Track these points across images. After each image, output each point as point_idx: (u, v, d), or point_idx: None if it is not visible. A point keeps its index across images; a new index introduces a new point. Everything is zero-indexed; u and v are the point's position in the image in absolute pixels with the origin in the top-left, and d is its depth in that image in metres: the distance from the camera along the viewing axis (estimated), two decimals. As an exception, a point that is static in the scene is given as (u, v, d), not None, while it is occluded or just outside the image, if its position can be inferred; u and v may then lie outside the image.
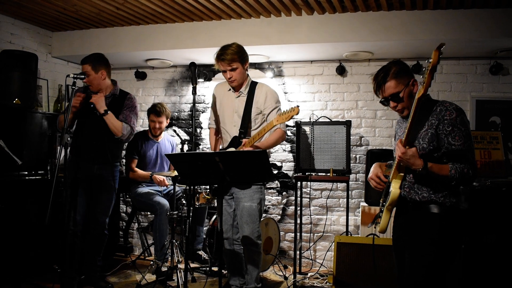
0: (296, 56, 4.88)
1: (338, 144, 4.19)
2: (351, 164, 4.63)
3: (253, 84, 3.46)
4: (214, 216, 4.51)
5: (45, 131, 4.26)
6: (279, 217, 5.05)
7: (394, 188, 2.17)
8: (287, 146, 5.11)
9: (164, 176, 4.52)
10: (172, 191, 4.28)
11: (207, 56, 4.74)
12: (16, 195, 3.85)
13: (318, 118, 4.58)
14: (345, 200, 4.53)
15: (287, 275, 4.29)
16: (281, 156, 5.12)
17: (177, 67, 5.50)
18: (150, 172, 4.53)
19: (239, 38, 3.59)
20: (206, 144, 5.27)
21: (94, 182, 3.63)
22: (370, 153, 4.36)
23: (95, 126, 3.58)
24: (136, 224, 5.32)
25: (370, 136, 4.87)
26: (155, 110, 4.60)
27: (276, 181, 5.07)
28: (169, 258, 3.98)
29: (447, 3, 3.85)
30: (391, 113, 4.70)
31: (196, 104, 5.32)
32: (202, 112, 5.36)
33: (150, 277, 4.04)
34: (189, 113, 5.46)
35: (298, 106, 3.05)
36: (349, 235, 4.15)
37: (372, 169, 2.39)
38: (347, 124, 4.22)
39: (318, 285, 4.09)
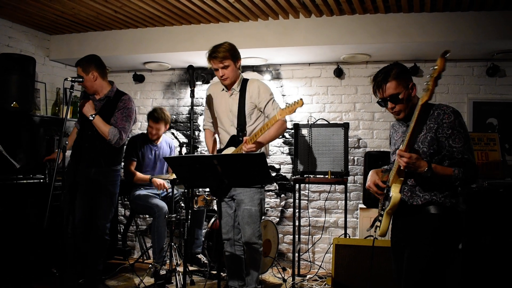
0: (294, 59, 4.90)
1: (336, 146, 4.20)
2: (349, 166, 4.64)
3: (245, 81, 3.48)
4: (213, 219, 4.51)
5: (43, 135, 4.25)
6: (278, 219, 5.05)
7: (395, 193, 2.17)
8: (285, 149, 5.11)
9: (163, 179, 4.52)
10: (170, 194, 4.27)
11: (205, 59, 4.68)
12: (14, 198, 3.84)
13: (316, 121, 4.59)
14: (343, 202, 4.54)
15: (285, 278, 4.29)
16: (279, 158, 5.13)
17: (175, 70, 5.50)
18: (150, 176, 4.52)
19: (237, 41, 3.60)
20: (204, 147, 5.27)
21: (93, 186, 3.61)
22: (368, 155, 4.36)
23: (90, 130, 3.58)
24: (135, 227, 5.32)
25: (368, 138, 4.88)
26: (154, 116, 4.55)
27: (275, 184, 5.07)
28: (168, 261, 3.97)
29: (444, 6, 3.87)
30: (389, 115, 4.71)
31: (195, 107, 5.32)
32: (200, 115, 5.37)
33: (149, 280, 4.04)
34: (188, 115, 5.47)
35: (301, 99, 3.06)
36: (348, 237, 4.15)
37: (368, 177, 2.39)
38: (345, 126, 4.23)
39: (316, 287, 4.10)
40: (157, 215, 4.27)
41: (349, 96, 4.94)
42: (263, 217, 4.47)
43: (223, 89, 3.50)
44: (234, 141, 3.37)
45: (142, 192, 4.53)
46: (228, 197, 3.43)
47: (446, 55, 1.95)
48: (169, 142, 4.90)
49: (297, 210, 4.47)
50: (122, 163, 4.83)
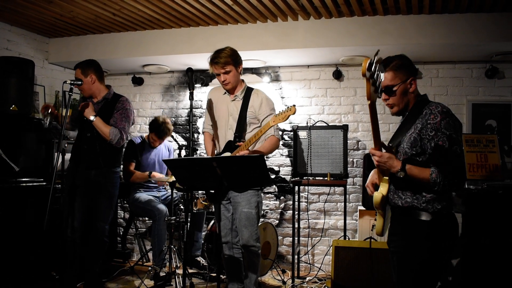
0: (293, 61, 4.90)
1: (335, 148, 4.20)
2: (349, 168, 4.64)
3: (249, 90, 3.49)
4: (212, 222, 4.50)
5: (42, 138, 4.25)
6: (277, 221, 5.05)
7: (377, 192, 2.13)
8: (285, 151, 5.11)
9: (162, 181, 4.52)
10: (170, 197, 4.27)
11: (204, 61, 4.70)
12: (14, 201, 3.83)
13: (315, 123, 4.59)
14: (342, 204, 4.54)
15: (285, 280, 4.29)
16: (279, 160, 5.13)
17: (174, 72, 5.50)
18: (148, 172, 4.51)
19: (236, 43, 3.60)
20: (203, 150, 5.27)
21: (92, 188, 3.61)
22: (367, 157, 4.36)
23: (89, 132, 3.59)
24: (134, 229, 5.31)
25: (367, 140, 4.88)
26: (158, 133, 4.56)
27: (274, 186, 5.07)
28: (167, 264, 3.97)
29: (443, 8, 3.87)
30: (388, 117, 4.71)
31: (194, 110, 5.32)
32: (200, 117, 5.37)
33: (149, 283, 4.03)
34: (187, 118, 5.47)
35: (294, 106, 3.07)
36: (347, 239, 4.15)
37: (369, 176, 2.37)
38: (344, 128, 4.23)
39: (316, 289, 4.09)
40: (157, 218, 4.27)
41: (348, 98, 4.94)
42: (262, 219, 4.48)
43: (225, 93, 3.50)
44: (230, 146, 3.38)
45: (142, 195, 4.52)
46: (226, 199, 3.43)
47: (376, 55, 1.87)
48: (168, 145, 4.90)
49: (296, 212, 4.47)
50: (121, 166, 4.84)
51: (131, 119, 3.73)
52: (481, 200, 3.44)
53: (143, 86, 5.61)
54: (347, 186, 4.41)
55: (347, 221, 4.31)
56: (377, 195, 2.12)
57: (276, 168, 5.10)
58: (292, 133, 4.55)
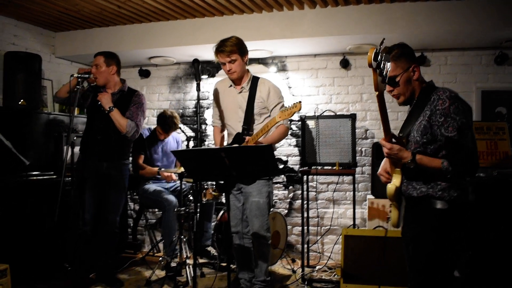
0: (300, 50, 4.87)
1: (343, 138, 4.18)
2: (357, 157, 4.62)
3: (255, 79, 3.47)
4: (222, 212, 4.53)
5: (51, 132, 4.28)
6: (286, 211, 5.07)
7: (391, 184, 2.12)
8: (293, 141, 5.11)
9: (171, 172, 4.54)
10: (179, 188, 4.30)
11: (210, 52, 4.66)
12: (25, 195, 3.88)
13: (323, 112, 4.57)
14: (351, 193, 4.54)
15: (295, 269, 4.31)
16: (287, 150, 5.13)
17: (181, 64, 5.50)
18: (157, 169, 4.55)
19: (242, 34, 3.58)
20: (211, 141, 5.27)
21: (103, 180, 3.64)
22: (376, 146, 4.35)
23: (102, 124, 3.60)
24: (144, 221, 5.36)
25: (376, 129, 4.86)
26: (164, 126, 4.62)
27: (282, 176, 5.08)
28: (178, 254, 4.01)
29: (451, -7, 3.82)
30: (396, 105, 4.62)
31: (201, 101, 5.30)
32: (207, 109, 5.37)
33: (160, 273, 4.08)
34: (194, 109, 5.47)
35: (300, 102, 3.06)
36: (356, 228, 4.15)
37: (381, 164, 2.35)
38: (352, 117, 4.20)
39: (326, 278, 4.11)
40: (167, 209, 4.31)
41: (356, 87, 4.91)
42: (271, 209, 4.49)
43: (231, 85, 3.49)
44: (239, 138, 3.38)
45: (152, 186, 4.55)
46: (236, 189, 3.44)
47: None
48: (176, 137, 4.92)
49: (305, 202, 4.47)
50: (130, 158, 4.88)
51: (145, 115, 3.82)
52: (491, 188, 3.42)
53: (149, 78, 5.62)
54: (356, 175, 4.40)
55: (356, 210, 4.30)
56: (391, 187, 2.12)
57: (284, 158, 5.10)
58: (300, 122, 4.54)
